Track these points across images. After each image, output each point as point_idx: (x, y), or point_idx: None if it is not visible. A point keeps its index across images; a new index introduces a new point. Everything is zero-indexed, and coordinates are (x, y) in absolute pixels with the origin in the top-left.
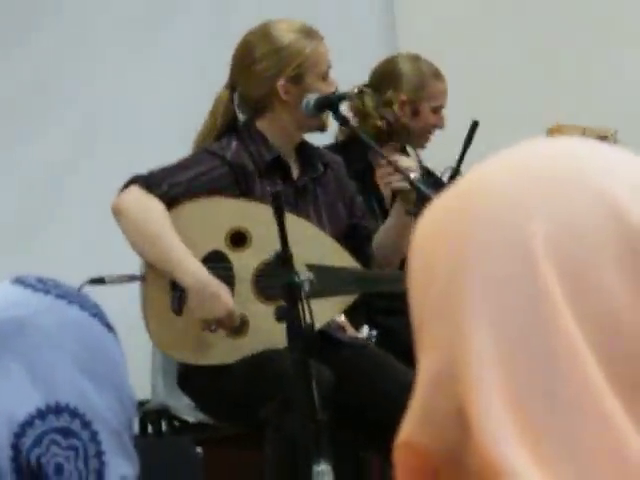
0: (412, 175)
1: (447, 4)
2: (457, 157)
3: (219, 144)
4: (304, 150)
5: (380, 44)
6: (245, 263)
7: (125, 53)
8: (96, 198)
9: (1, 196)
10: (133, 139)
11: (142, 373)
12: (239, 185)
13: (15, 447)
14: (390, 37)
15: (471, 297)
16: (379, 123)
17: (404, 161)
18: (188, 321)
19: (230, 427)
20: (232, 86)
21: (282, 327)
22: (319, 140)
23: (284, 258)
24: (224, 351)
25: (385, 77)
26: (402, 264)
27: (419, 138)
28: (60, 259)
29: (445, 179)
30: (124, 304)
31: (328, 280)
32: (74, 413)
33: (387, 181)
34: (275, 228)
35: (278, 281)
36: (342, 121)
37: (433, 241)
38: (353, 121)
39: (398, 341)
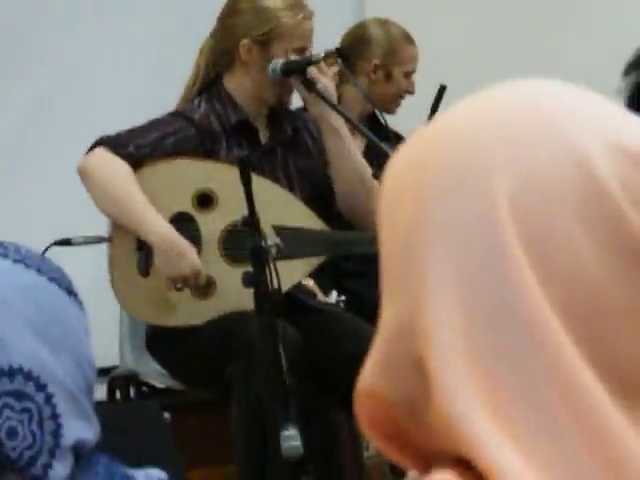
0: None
1: None
2: (426, 122)
3: (190, 105)
4: (275, 113)
5: (348, 10)
6: (212, 225)
7: (92, 20)
8: (63, 160)
9: None
10: (100, 99)
11: (110, 339)
12: (205, 147)
13: None
14: (358, 3)
15: (431, 255)
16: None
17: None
18: (154, 282)
19: (198, 392)
20: (213, 34)
21: (249, 290)
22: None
23: (251, 223)
24: (191, 312)
25: (356, 42)
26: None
27: (390, 104)
28: (27, 221)
29: None
30: (94, 271)
31: (295, 242)
32: (28, 376)
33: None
34: (241, 190)
35: (245, 243)
36: (309, 86)
37: (396, 194)
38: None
39: (366, 304)
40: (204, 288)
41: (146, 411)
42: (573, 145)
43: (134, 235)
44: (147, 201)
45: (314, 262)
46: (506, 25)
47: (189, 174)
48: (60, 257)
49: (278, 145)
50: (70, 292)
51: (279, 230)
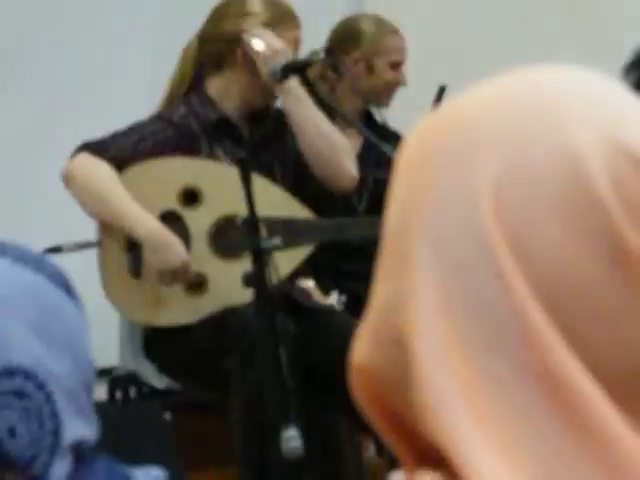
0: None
1: None
2: None
3: (169, 108)
4: (256, 111)
5: (347, 11)
6: (199, 221)
7: (92, 19)
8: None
9: None
10: (97, 112)
11: (111, 340)
12: (184, 148)
13: None
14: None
15: (420, 238)
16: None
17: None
18: (146, 283)
19: (198, 393)
20: (201, 37)
21: (242, 283)
22: None
23: (252, 223)
24: (184, 311)
25: (338, 39)
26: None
27: (379, 96)
28: (20, 229)
29: None
30: (94, 271)
31: (284, 232)
32: (28, 375)
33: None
34: (226, 184)
35: (234, 237)
36: (309, 86)
37: (398, 174)
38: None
39: (367, 305)
40: (196, 285)
41: (146, 412)
42: (567, 141)
43: (122, 234)
44: (131, 198)
45: (303, 253)
46: (507, 25)
47: (172, 172)
48: (59, 256)
49: (260, 139)
50: (69, 290)
51: (266, 222)
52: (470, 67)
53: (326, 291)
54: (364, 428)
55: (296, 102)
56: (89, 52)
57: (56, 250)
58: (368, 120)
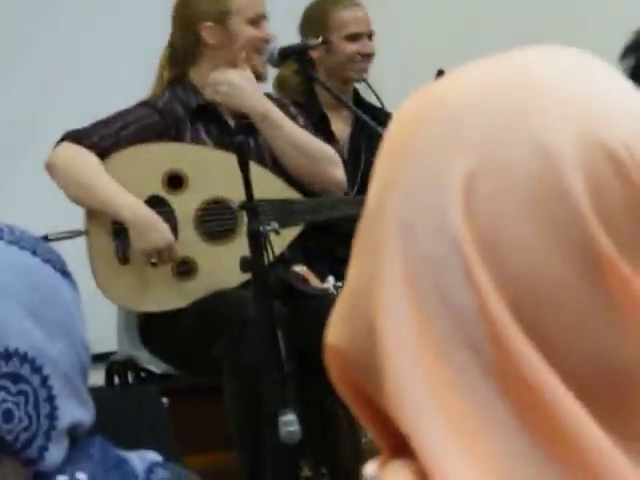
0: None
1: None
2: None
3: (155, 95)
4: None
5: None
6: (185, 205)
7: (93, 5)
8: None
9: None
10: (91, 99)
11: (108, 325)
12: (170, 132)
13: None
14: None
15: (389, 227)
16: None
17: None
18: (135, 269)
19: (196, 378)
20: (171, 43)
21: (231, 267)
22: None
23: (249, 207)
24: (175, 295)
25: (306, 25)
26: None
27: (349, 71)
28: (13, 217)
29: None
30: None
31: (274, 213)
32: (24, 358)
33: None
34: (211, 167)
35: (221, 220)
36: (305, 70)
37: (380, 157)
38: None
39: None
40: (185, 270)
41: (144, 396)
42: (543, 138)
43: (108, 220)
44: (114, 182)
45: (292, 233)
46: (505, 16)
47: (156, 157)
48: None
49: (248, 125)
50: (64, 273)
51: (261, 204)
52: (468, 57)
53: (321, 277)
54: None
55: (272, 128)
56: (87, 38)
57: (43, 239)
58: (357, 100)
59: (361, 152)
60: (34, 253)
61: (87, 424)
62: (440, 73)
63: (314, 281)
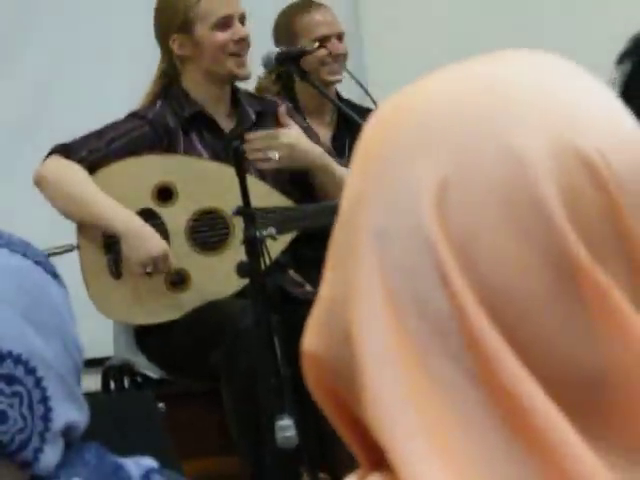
0: (271, 155)
1: None
2: None
3: (145, 106)
4: (237, 100)
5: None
6: (176, 217)
7: (86, 6)
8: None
9: None
10: (95, 96)
11: (104, 329)
12: (162, 143)
13: None
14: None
15: (363, 234)
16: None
17: (270, 140)
18: (128, 283)
19: (192, 382)
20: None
21: (224, 276)
22: None
23: (246, 213)
24: (168, 308)
25: (279, 35)
26: None
27: (323, 74)
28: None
29: None
30: None
31: (278, 221)
32: (17, 360)
33: (253, 157)
34: (200, 178)
35: (213, 231)
36: (301, 75)
37: (354, 162)
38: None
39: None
40: (178, 281)
41: (141, 402)
42: (515, 145)
43: (99, 232)
44: (104, 195)
45: (286, 239)
46: (504, 21)
47: (145, 170)
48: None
49: (243, 132)
50: (55, 275)
51: (257, 212)
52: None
53: (315, 284)
54: None
55: (326, 175)
56: (87, 38)
57: None
58: (339, 100)
59: (344, 156)
60: (25, 255)
61: (81, 426)
62: None
63: (308, 287)
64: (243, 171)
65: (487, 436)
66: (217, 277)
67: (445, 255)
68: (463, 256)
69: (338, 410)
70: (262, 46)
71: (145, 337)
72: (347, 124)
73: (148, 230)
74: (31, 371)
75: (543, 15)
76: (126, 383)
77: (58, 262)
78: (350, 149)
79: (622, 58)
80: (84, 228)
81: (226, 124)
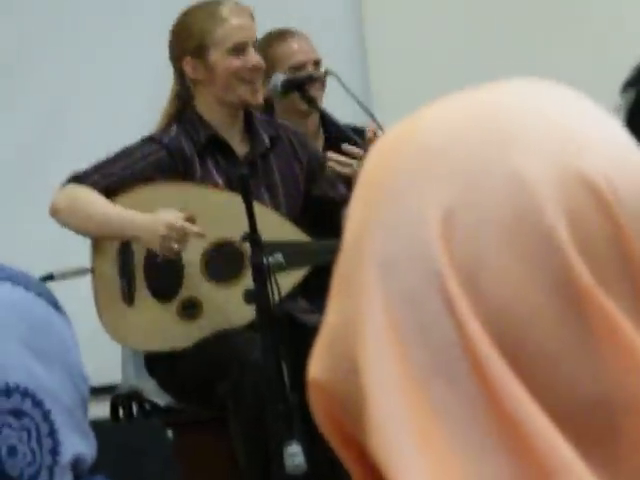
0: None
1: None
2: None
3: (161, 130)
4: (250, 125)
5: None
6: (191, 248)
7: (94, 36)
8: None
9: None
10: (101, 124)
11: (113, 357)
12: (178, 168)
13: None
14: (357, 27)
15: (367, 262)
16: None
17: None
18: (140, 309)
19: (200, 410)
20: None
21: (236, 307)
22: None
23: (253, 239)
24: (179, 336)
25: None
26: None
27: (300, 103)
28: (12, 256)
29: None
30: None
31: (289, 255)
32: (25, 393)
33: (338, 170)
34: (215, 210)
35: (227, 263)
36: (309, 102)
37: (357, 190)
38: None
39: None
40: (190, 310)
41: (149, 429)
42: (517, 170)
43: (114, 250)
44: (115, 207)
45: (299, 274)
46: (503, 28)
47: (163, 199)
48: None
49: (257, 157)
50: (57, 306)
51: (269, 246)
52: (467, 68)
53: (322, 312)
54: None
55: None
56: (91, 68)
57: (48, 278)
58: (324, 122)
59: None
60: (27, 288)
61: (89, 457)
62: None
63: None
64: (249, 197)
65: (492, 462)
66: (229, 308)
67: (450, 282)
68: (469, 283)
69: (343, 440)
70: None
71: (155, 363)
72: (332, 144)
73: (156, 214)
74: (38, 404)
75: (548, 46)
76: (134, 411)
77: (62, 288)
78: None
79: (626, 87)
80: (100, 249)
81: (240, 149)
